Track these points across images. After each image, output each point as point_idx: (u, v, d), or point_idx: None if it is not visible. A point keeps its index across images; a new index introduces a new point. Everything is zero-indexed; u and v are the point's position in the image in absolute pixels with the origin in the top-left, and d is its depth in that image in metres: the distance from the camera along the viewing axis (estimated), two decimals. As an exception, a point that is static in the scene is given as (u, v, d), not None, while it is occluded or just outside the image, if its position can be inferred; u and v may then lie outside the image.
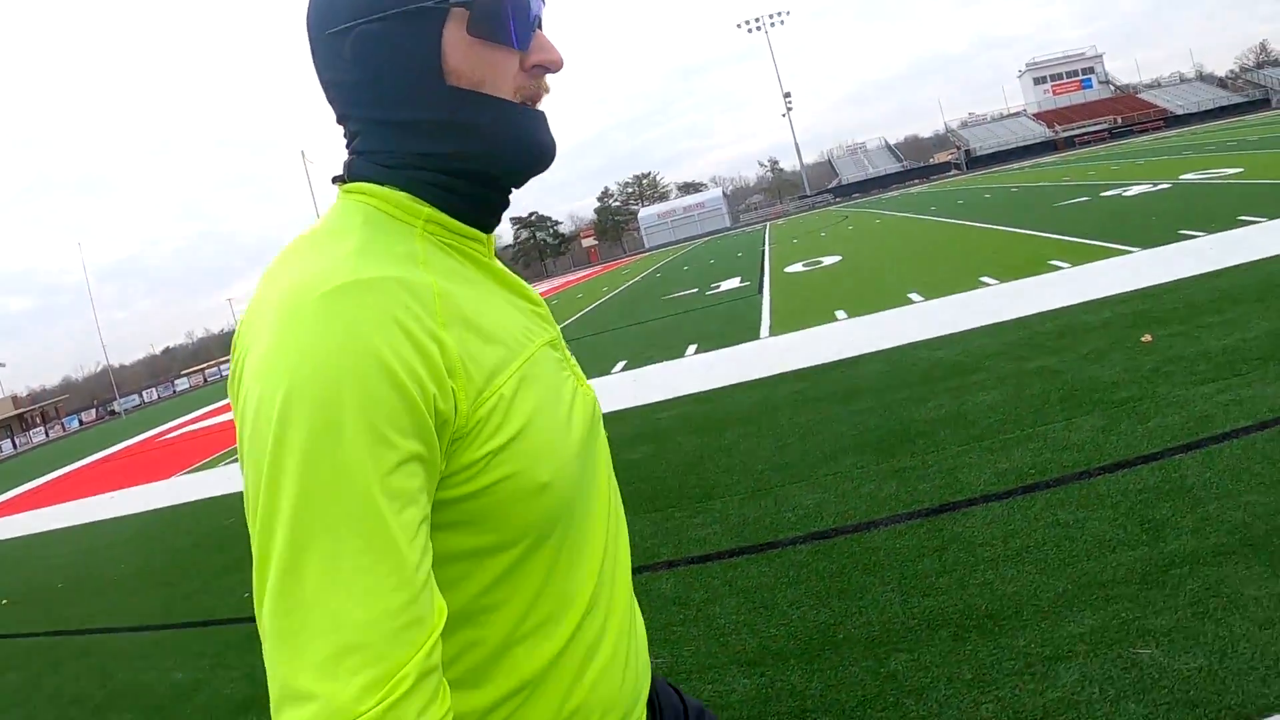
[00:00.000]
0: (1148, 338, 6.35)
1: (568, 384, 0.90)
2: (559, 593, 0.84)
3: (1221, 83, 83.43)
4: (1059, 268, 10.52)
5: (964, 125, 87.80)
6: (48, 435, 62.95)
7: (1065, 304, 8.33)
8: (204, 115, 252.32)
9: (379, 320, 0.68)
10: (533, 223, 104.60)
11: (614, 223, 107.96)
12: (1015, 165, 61.62)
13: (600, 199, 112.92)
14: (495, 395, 0.76)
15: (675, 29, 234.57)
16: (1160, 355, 5.84)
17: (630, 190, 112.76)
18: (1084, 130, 73.99)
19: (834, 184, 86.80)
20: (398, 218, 0.83)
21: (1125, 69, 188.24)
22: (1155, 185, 18.43)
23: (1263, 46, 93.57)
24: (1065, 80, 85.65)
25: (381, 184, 0.84)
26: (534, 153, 0.88)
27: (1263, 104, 72.13)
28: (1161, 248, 10.14)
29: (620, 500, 1.00)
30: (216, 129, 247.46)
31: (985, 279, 11.02)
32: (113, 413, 66.79)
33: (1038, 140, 75.69)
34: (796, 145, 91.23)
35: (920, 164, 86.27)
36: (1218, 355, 5.51)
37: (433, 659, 0.68)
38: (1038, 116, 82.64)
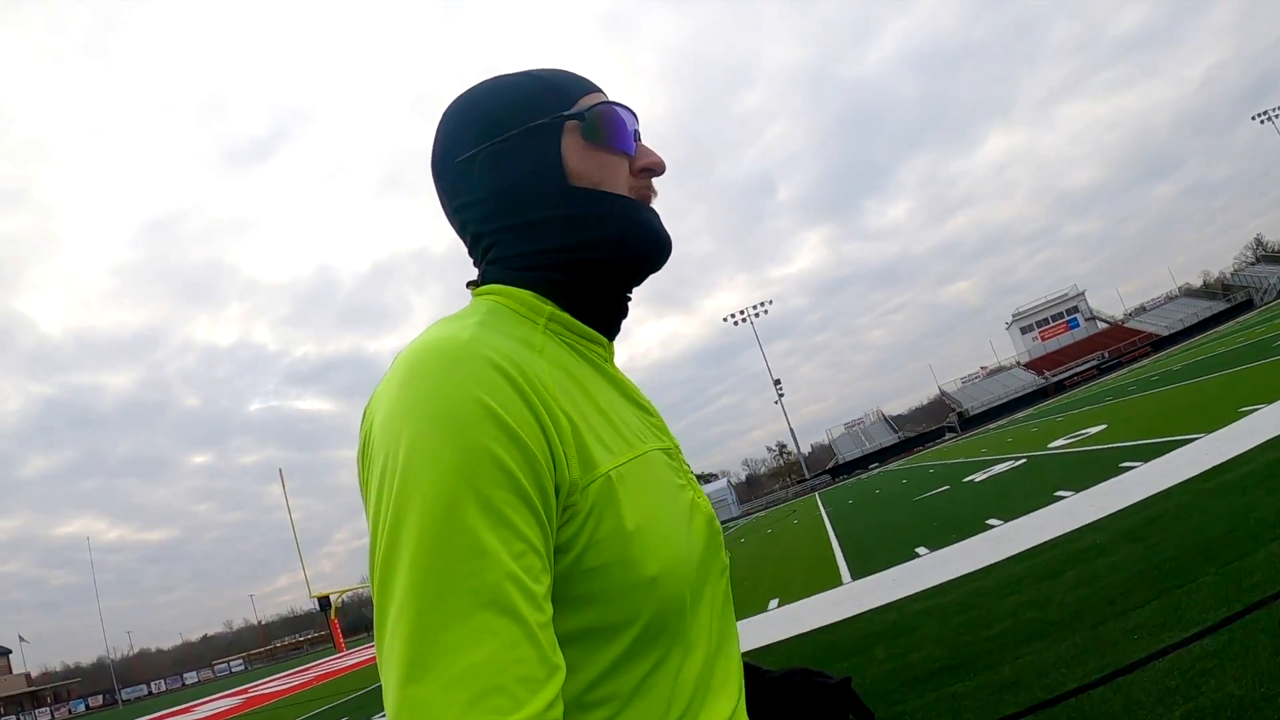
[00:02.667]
0: None
1: (684, 492, 0.90)
2: (665, 697, 0.80)
3: (1224, 287, 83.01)
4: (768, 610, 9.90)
5: (960, 385, 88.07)
6: (53, 716, 65.21)
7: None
8: (250, 413, 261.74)
9: (494, 381, 0.72)
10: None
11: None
12: (1003, 421, 60.78)
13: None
14: (605, 477, 0.77)
15: (706, 318, 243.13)
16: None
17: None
18: (1072, 372, 73.74)
19: (831, 464, 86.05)
20: (522, 314, 0.89)
21: (1111, 300, 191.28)
22: (1017, 461, 17.56)
23: (1258, 241, 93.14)
24: (1052, 324, 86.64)
25: (509, 285, 0.92)
26: (653, 239, 0.95)
27: (1246, 306, 71.61)
28: (894, 569, 9.60)
29: (734, 620, 0.96)
30: (263, 426, 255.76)
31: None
32: (123, 700, 67.85)
33: (1029, 390, 75.35)
34: (791, 430, 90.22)
35: (915, 433, 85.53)
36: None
37: (555, 712, 0.67)
38: (1029, 365, 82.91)
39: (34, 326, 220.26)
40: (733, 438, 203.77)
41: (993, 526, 9.97)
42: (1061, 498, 9.97)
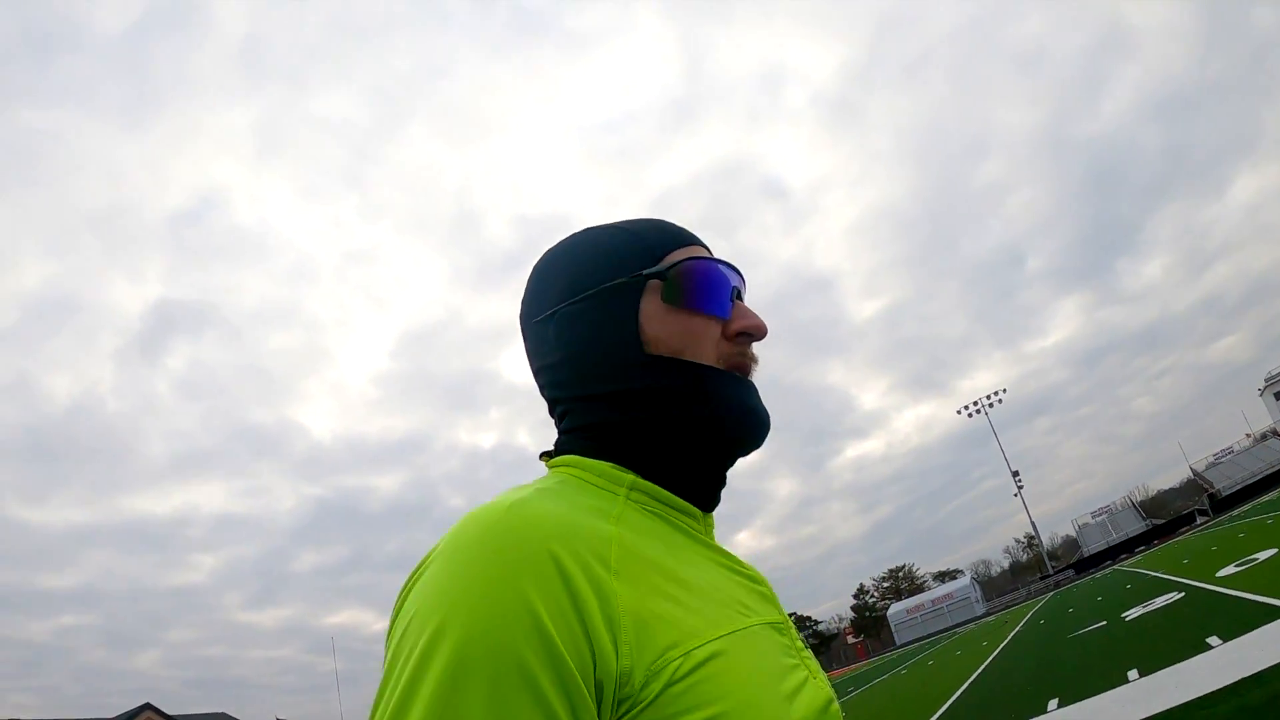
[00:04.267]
0: None
1: (795, 672, 0.79)
2: None
3: None
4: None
5: (1213, 461, 79.79)
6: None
7: None
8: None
9: (536, 560, 0.65)
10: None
11: (870, 618, 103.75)
12: (1247, 506, 54.43)
13: (856, 595, 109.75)
14: (685, 659, 0.67)
15: (964, 399, 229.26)
16: None
17: (886, 585, 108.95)
18: (1343, 439, 65.05)
19: (1075, 558, 79.50)
20: (601, 486, 0.82)
21: None
22: (1177, 594, 15.93)
23: None
24: (1313, 388, 77.26)
25: (584, 456, 0.86)
26: (738, 417, 0.86)
27: None
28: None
29: None
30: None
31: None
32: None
33: (1289, 463, 67.02)
34: (1032, 523, 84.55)
35: (1165, 519, 77.42)
36: None
37: None
38: (1289, 435, 74.03)
39: (307, 433, 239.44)
40: (998, 523, 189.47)
41: (1049, 711, 9.30)
42: (1128, 680, 9.10)
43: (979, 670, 18.42)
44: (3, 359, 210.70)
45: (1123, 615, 16.92)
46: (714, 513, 0.91)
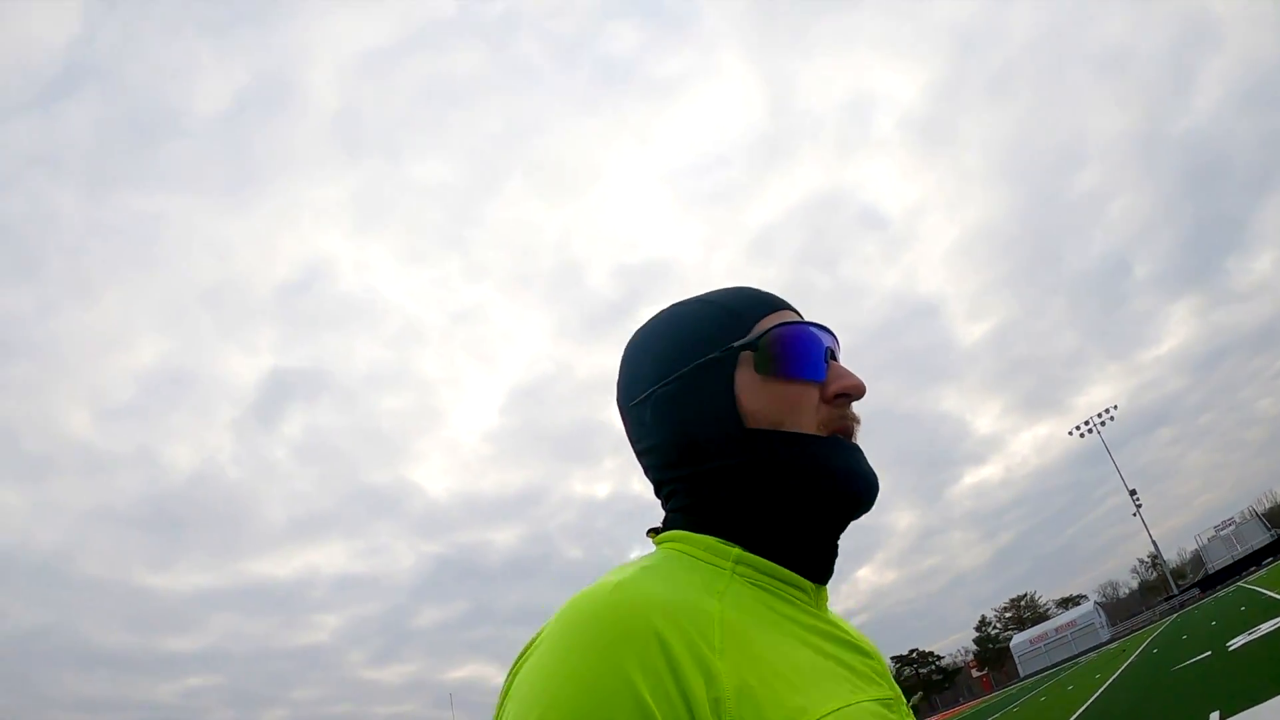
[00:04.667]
0: None
1: None
2: None
3: None
4: None
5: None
6: None
7: None
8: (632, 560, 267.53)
9: (641, 639, 0.66)
10: (914, 660, 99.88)
11: (994, 650, 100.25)
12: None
13: (978, 627, 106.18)
14: None
15: (1081, 416, 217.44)
16: None
17: (1009, 615, 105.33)
18: None
19: (1200, 575, 75.42)
20: (707, 560, 0.81)
21: None
22: (1285, 619, 15.32)
23: None
24: None
25: (691, 531, 0.85)
26: (844, 484, 0.84)
27: None
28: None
29: None
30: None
31: None
32: None
33: None
34: (1153, 541, 79.35)
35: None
36: None
37: None
38: None
39: (423, 492, 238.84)
40: (1123, 542, 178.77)
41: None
42: (1207, 721, 8.91)
43: (1080, 709, 17.90)
44: (126, 433, 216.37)
45: (1227, 644, 16.27)
46: (828, 584, 0.89)
